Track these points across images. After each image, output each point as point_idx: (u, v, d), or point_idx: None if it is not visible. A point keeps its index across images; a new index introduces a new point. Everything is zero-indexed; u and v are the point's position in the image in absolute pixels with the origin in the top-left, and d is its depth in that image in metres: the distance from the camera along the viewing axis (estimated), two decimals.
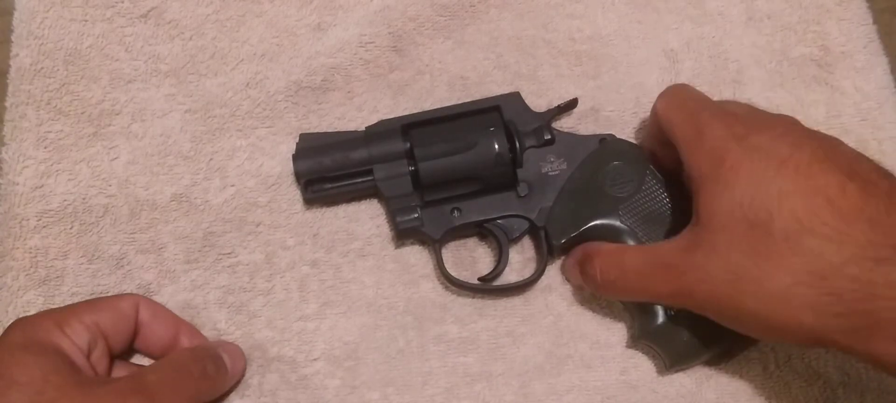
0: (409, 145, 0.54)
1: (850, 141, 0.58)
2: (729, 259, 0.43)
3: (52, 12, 0.59)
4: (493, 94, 0.57)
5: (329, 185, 0.54)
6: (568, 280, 0.56)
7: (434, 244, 0.54)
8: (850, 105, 0.60)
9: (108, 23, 0.60)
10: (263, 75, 0.60)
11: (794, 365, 0.54)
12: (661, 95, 0.52)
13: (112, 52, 0.59)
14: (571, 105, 0.57)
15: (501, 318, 0.56)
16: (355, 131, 0.56)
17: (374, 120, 0.58)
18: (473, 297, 0.56)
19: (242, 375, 0.53)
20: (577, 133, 0.56)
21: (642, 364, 0.55)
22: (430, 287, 0.56)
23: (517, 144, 0.54)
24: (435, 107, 0.56)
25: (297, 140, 0.55)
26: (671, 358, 0.52)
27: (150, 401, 0.43)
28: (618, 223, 0.53)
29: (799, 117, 0.59)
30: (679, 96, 0.51)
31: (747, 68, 0.61)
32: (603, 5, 0.62)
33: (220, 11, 0.61)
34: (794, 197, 0.41)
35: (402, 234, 0.54)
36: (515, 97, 0.56)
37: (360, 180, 0.54)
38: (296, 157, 0.54)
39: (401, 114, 0.56)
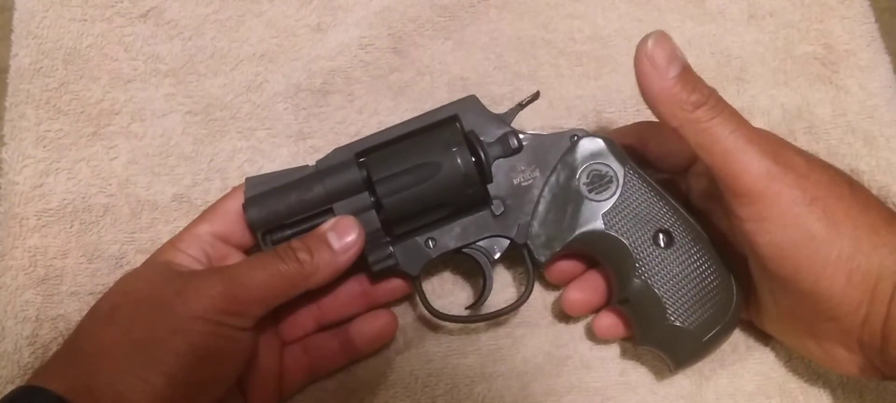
0: (366, 174, 0.49)
1: (857, 139, 0.59)
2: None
3: (51, 12, 0.59)
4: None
5: (289, 232, 0.49)
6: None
7: (414, 280, 0.51)
8: (856, 103, 0.60)
9: (108, 22, 0.60)
10: (263, 78, 0.59)
11: (794, 366, 0.54)
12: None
13: (111, 52, 0.59)
14: (534, 98, 0.52)
15: (501, 319, 0.56)
16: (305, 167, 0.51)
17: (374, 123, 0.58)
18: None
19: (357, 245, 0.48)
20: (544, 133, 0.51)
21: (642, 365, 0.55)
22: (430, 289, 0.56)
23: (484, 158, 0.49)
24: (387, 127, 0.51)
25: (245, 182, 0.50)
26: (676, 361, 0.51)
27: (232, 285, 0.46)
28: (603, 227, 0.50)
29: (805, 115, 0.59)
30: None
31: (750, 65, 0.61)
32: (603, 5, 0.61)
33: (219, 11, 0.60)
34: None
35: (379, 275, 0.51)
36: (472, 101, 0.51)
37: (320, 221, 0.49)
38: (246, 207, 0.49)
39: (358, 138, 0.52)
